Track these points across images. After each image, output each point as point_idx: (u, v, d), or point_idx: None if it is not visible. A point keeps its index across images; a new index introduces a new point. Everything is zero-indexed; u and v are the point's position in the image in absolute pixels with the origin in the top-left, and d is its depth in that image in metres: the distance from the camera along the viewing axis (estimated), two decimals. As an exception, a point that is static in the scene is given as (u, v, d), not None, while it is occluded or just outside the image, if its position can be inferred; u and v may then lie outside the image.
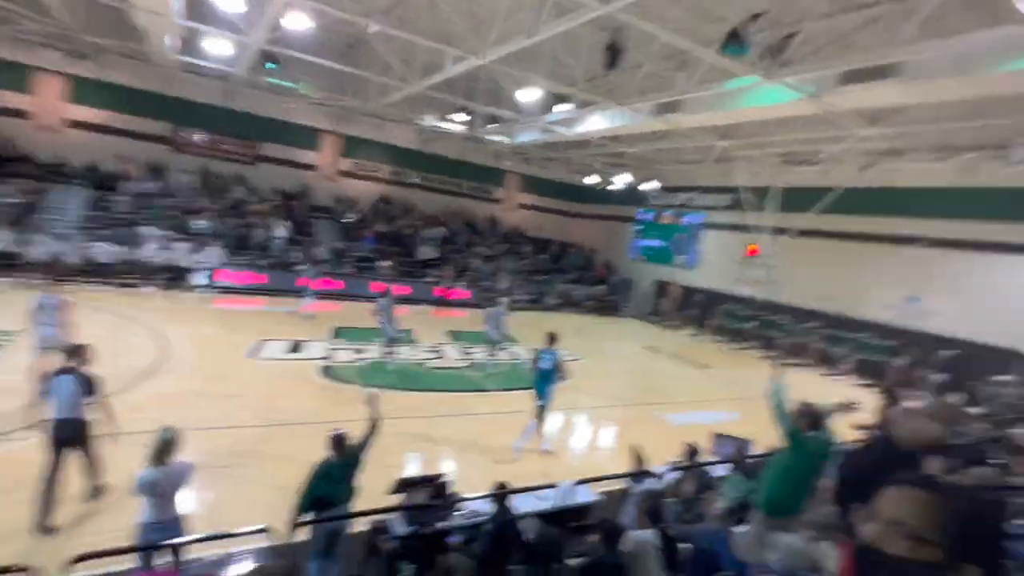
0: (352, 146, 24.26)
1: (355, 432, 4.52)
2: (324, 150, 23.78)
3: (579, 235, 30.57)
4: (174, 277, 16.51)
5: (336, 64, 17.16)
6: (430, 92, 16.04)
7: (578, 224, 31.08)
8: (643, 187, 24.08)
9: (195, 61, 16.62)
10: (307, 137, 23.26)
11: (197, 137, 21.32)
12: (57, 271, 13.83)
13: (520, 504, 4.74)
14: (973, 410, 12.10)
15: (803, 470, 3.73)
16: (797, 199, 19.71)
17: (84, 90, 19.09)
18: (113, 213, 17.84)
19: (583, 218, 31.06)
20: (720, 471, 5.87)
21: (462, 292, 21.67)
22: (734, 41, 9.64)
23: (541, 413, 8.01)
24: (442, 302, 20.50)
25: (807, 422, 3.89)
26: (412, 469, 6.81)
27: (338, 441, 4.25)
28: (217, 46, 14.50)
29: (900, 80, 9.37)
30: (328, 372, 10.35)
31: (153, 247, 16.57)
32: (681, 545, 3.84)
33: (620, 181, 23.60)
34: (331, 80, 18.97)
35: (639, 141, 19.67)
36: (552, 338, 8.28)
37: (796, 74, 9.90)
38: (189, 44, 15.62)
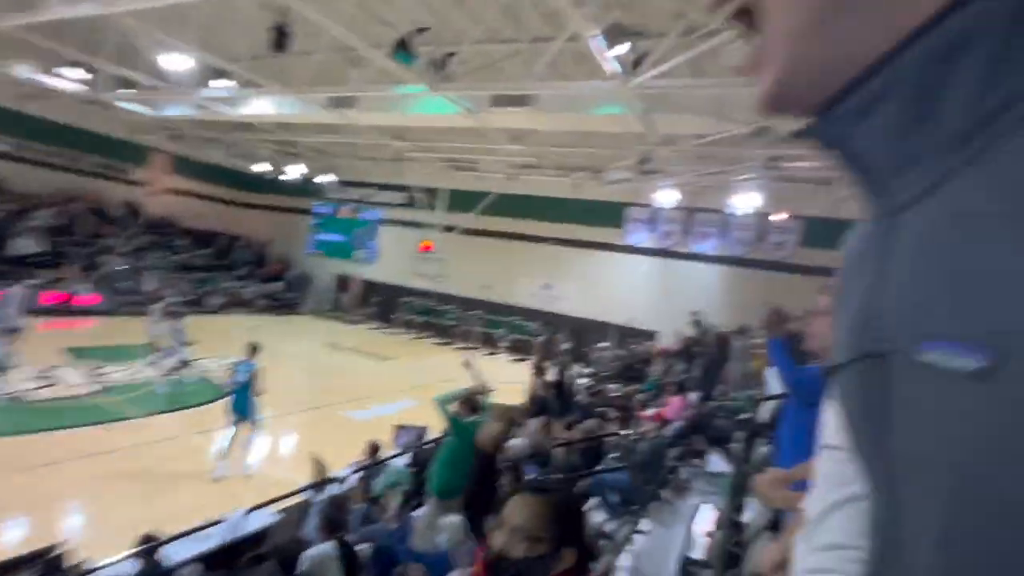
0: None
1: None
2: None
3: (250, 227, 27.63)
4: None
5: None
6: (24, 34, 12.11)
7: (249, 215, 28.07)
8: (320, 179, 23.28)
9: None
10: None
11: None
12: None
13: (177, 552, 4.03)
14: (586, 370, 15.68)
15: (466, 452, 4.20)
16: (463, 200, 22.05)
17: None
18: None
19: (254, 208, 28.20)
20: (402, 462, 6.15)
21: (88, 297, 17.22)
22: (402, 49, 10.12)
23: (244, 431, 7.43)
24: (57, 310, 15.83)
25: (467, 409, 4.40)
26: (12, 544, 5.09)
27: None
28: None
29: (532, 109, 11.36)
30: None
31: None
32: (362, 547, 3.86)
33: (294, 171, 22.29)
34: None
35: (313, 132, 18.92)
36: (253, 349, 7.81)
37: (456, 90, 10.99)
38: None
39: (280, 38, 10.09)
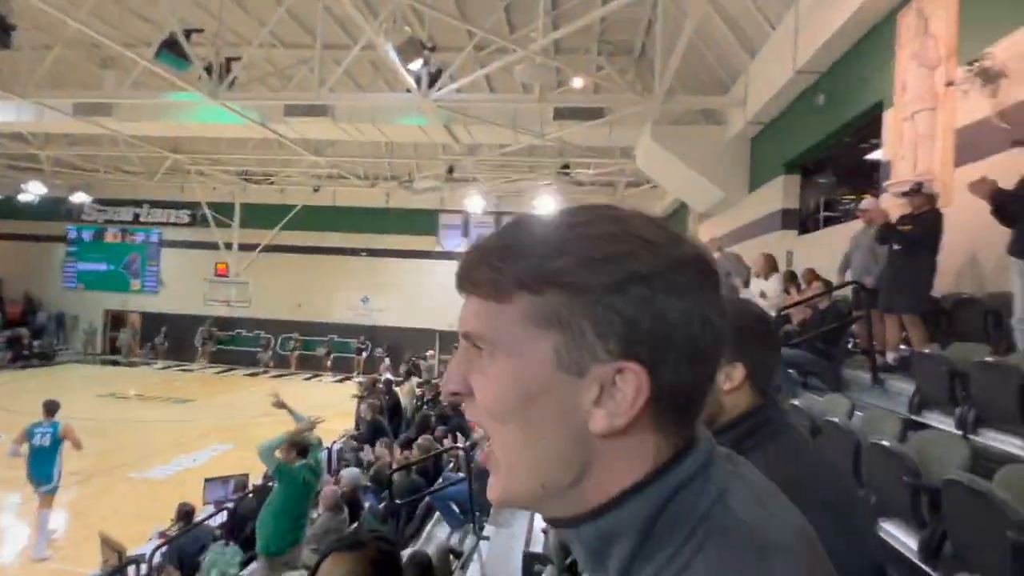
0: None
1: None
2: None
3: (-28, 262, 21.86)
4: None
5: None
6: None
7: (-32, 247, 22.19)
8: (73, 198, 19.36)
9: None
10: None
11: None
12: None
13: None
14: (415, 380, 15.59)
15: (297, 500, 3.90)
16: (262, 216, 20.20)
17: None
18: None
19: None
20: (217, 521, 5.45)
21: None
22: (171, 51, 8.92)
23: (41, 504, 6.39)
24: None
25: (295, 453, 4.08)
26: None
27: None
28: None
29: (331, 119, 10.88)
30: None
31: None
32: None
33: (33, 190, 18.20)
34: None
35: (57, 143, 15.70)
36: (50, 408, 6.82)
37: (241, 100, 10.04)
38: None
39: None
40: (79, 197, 19.48)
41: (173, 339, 20.82)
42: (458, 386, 0.47)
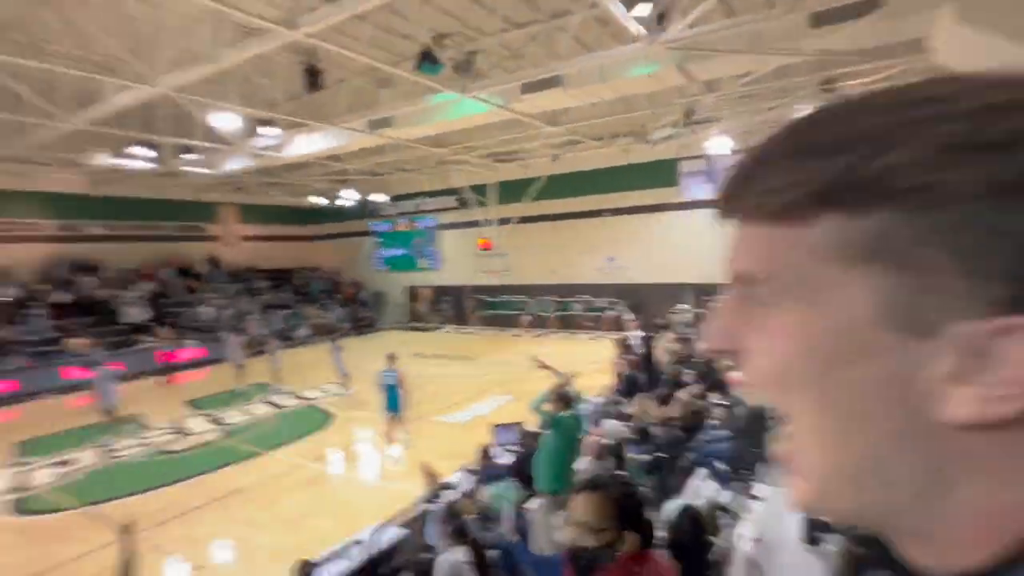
0: (-12, 203, 18.71)
1: (91, 572, 3.57)
2: (-60, 213, 17.82)
3: (318, 258, 29.15)
4: None
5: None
6: (94, 128, 13.28)
7: (315, 247, 29.58)
8: (373, 199, 24.10)
9: None
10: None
11: None
12: None
13: (328, 573, 4.40)
14: (668, 335, 15.39)
15: (565, 446, 4.30)
16: (512, 191, 22.15)
17: None
18: None
19: (318, 240, 29.68)
20: (506, 461, 6.35)
21: (194, 351, 18.75)
22: (427, 61, 10.25)
23: (395, 425, 9.32)
24: (168, 368, 17.33)
25: (561, 405, 4.48)
26: (181, 584, 5.74)
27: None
28: None
29: (563, 88, 11.19)
30: (23, 506, 7.93)
31: None
32: (490, 553, 4.05)
33: (348, 197, 23.18)
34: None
35: (359, 156, 19.55)
36: (391, 358, 9.70)
37: (485, 87, 11.01)
38: None
39: (312, 77, 10.51)
40: (377, 197, 24.13)
41: (455, 307, 24.51)
42: (726, 342, 0.36)
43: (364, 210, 25.89)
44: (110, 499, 7.86)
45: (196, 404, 13.35)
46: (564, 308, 21.53)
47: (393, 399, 9.37)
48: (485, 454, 6.36)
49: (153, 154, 15.03)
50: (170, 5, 9.08)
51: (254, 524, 6.89)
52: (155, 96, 11.07)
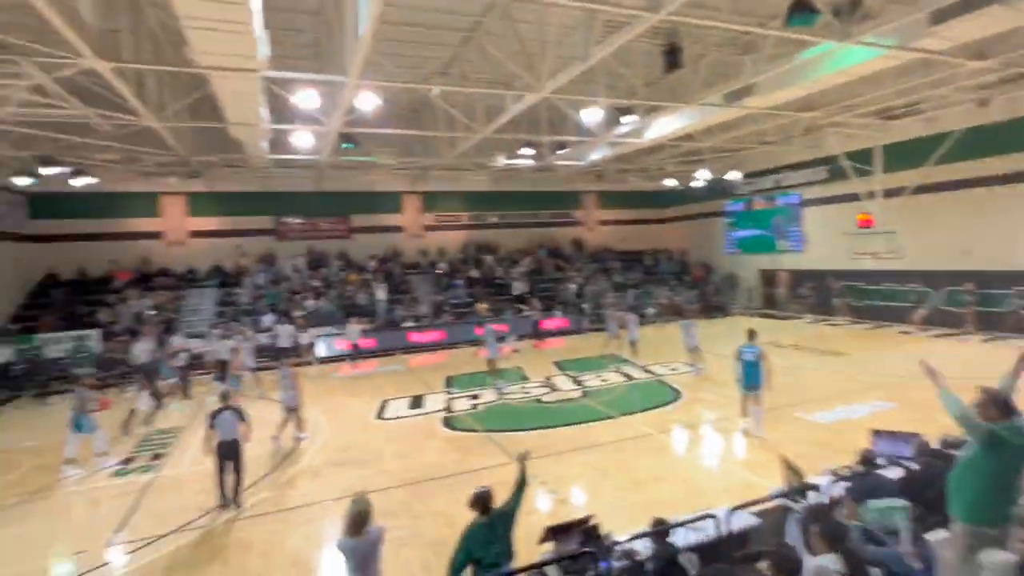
0: (431, 201, 25.46)
1: (490, 482, 4.51)
2: (407, 210, 25.11)
3: (668, 240, 29.69)
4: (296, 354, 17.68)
5: (406, 130, 18.18)
6: (495, 135, 16.48)
7: (665, 230, 30.22)
8: (727, 177, 23.02)
9: (286, 156, 18.30)
10: (391, 202, 24.73)
11: (297, 223, 23.35)
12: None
13: (676, 539, 4.49)
14: None
15: (1006, 469, 3.21)
16: (904, 155, 17.93)
17: (200, 203, 21.66)
18: (238, 307, 19.76)
19: (669, 222, 30.20)
20: (893, 475, 5.25)
21: (559, 320, 21.59)
22: (799, 11, 9.08)
23: (754, 401, 9.06)
24: (539, 333, 20.40)
25: (998, 412, 3.37)
26: (555, 514, 6.73)
27: (481, 500, 4.19)
28: (302, 139, 15.88)
29: (1004, 5, 8.31)
30: (450, 423, 10.61)
31: (278, 330, 17.63)
32: (873, 571, 3.41)
33: (700, 177, 22.73)
34: (403, 145, 20.16)
35: (714, 133, 18.91)
36: (751, 334, 9.41)
37: (876, 27, 9.09)
38: (278, 143, 17.23)
39: (672, 57, 10.58)
40: (732, 175, 22.92)
41: (818, 294, 21.45)
42: None
43: (717, 190, 25.00)
44: (502, 430, 9.82)
45: (561, 365, 15.39)
46: (985, 302, 16.37)
47: (751, 375, 9.03)
48: (866, 461, 5.37)
49: (533, 152, 17.74)
50: (549, 19, 10.47)
51: (607, 475, 7.57)
52: (539, 101, 13.00)
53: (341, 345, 18.20)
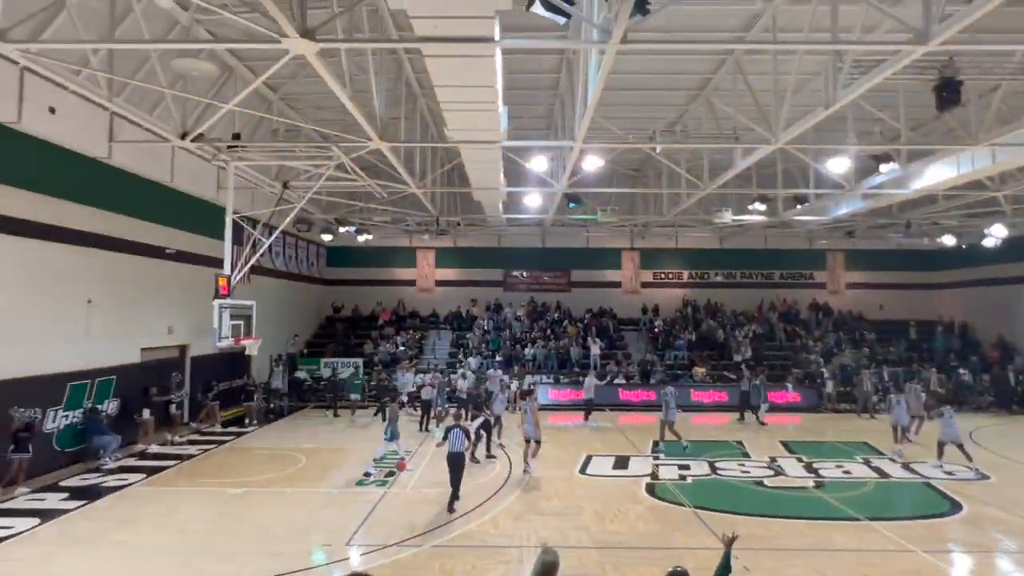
0: (649, 258, 25.26)
1: (691, 565, 4.06)
2: (625, 267, 25.30)
3: (941, 309, 24.23)
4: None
5: (627, 189, 18.57)
6: (721, 190, 15.77)
7: (938, 297, 24.82)
8: (1035, 234, 18.07)
9: (517, 216, 20.20)
10: (609, 258, 25.25)
11: (522, 275, 25.38)
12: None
13: None
14: None
15: None
16: None
17: (445, 257, 25.08)
18: (467, 349, 21.94)
19: (943, 288, 24.72)
20: None
21: (790, 395, 18.97)
22: None
23: None
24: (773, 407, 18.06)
25: None
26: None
27: (676, 579, 3.82)
28: (532, 200, 17.40)
29: None
30: (654, 491, 9.99)
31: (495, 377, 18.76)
32: None
33: (994, 234, 18.25)
34: (624, 203, 20.61)
35: (1014, 179, 15.16)
36: None
37: None
38: (510, 204, 19.17)
39: (949, 93, 8.92)
40: (1044, 231, 17.89)
41: None
42: None
43: (1019, 249, 19.72)
44: (712, 509, 8.87)
45: (789, 446, 13.42)
46: None
47: None
48: None
49: (764, 207, 16.37)
50: (786, 66, 9.78)
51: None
52: (772, 153, 12.10)
53: (554, 395, 18.75)
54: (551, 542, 7.28)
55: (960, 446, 11.18)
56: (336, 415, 16.91)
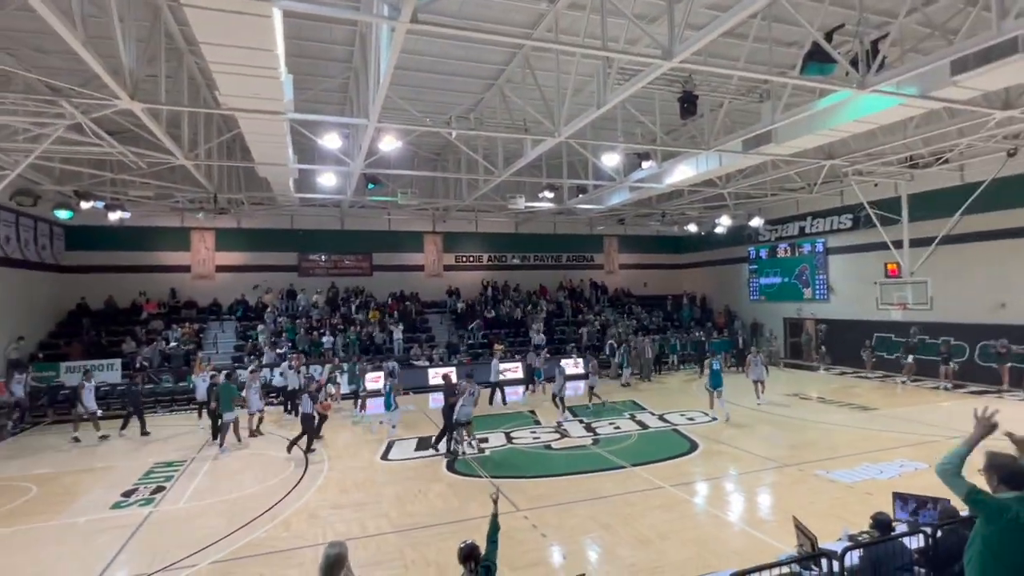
0: (451, 241, 25.73)
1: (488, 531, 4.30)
2: (428, 250, 25.40)
3: (688, 285, 29.35)
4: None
5: (428, 172, 18.58)
6: (516, 178, 16.72)
7: (686, 275, 29.92)
8: (752, 223, 22.76)
9: (311, 196, 18.85)
10: (412, 241, 25.06)
11: (319, 259, 23.83)
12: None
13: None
14: None
15: (1006, 543, 2.87)
16: (934, 204, 17.54)
17: (227, 239, 22.29)
18: (257, 342, 19.96)
19: (689, 268, 29.91)
20: (913, 544, 4.86)
21: (576, 365, 21.21)
22: (815, 60, 9.14)
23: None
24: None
25: (998, 481, 3.05)
26: (551, 569, 6.40)
27: (468, 554, 4.01)
28: (327, 179, 16.39)
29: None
30: (454, 467, 10.36)
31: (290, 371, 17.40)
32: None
33: (722, 223, 22.57)
34: (426, 187, 20.60)
35: (735, 180, 18.87)
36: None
37: (893, 78, 9.04)
38: (304, 183, 17.79)
39: (688, 105, 10.66)
40: (755, 221, 22.68)
41: (843, 344, 20.74)
42: None
43: (739, 236, 24.76)
44: (507, 477, 9.53)
45: (573, 411, 15.02)
46: (1021, 358, 15.60)
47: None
48: (883, 526, 5.00)
49: (552, 195, 17.90)
50: (567, 67, 10.72)
51: (611, 531, 7.20)
52: (557, 146, 13.18)
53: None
54: (350, 535, 7.08)
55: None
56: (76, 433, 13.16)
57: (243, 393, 13.19)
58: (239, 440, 12.34)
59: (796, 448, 10.91)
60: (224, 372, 13.68)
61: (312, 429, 11.58)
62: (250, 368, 14.86)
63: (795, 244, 23.38)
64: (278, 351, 18.80)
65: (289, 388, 15.62)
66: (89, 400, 13.19)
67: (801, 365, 22.22)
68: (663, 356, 22.44)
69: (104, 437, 12.91)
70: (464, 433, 11.18)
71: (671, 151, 15.31)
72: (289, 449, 11.43)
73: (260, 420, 13.36)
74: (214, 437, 12.29)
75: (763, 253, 25.11)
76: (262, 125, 10.78)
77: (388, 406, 12.93)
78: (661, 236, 28.92)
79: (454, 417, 11.14)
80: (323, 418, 12.34)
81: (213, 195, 17.24)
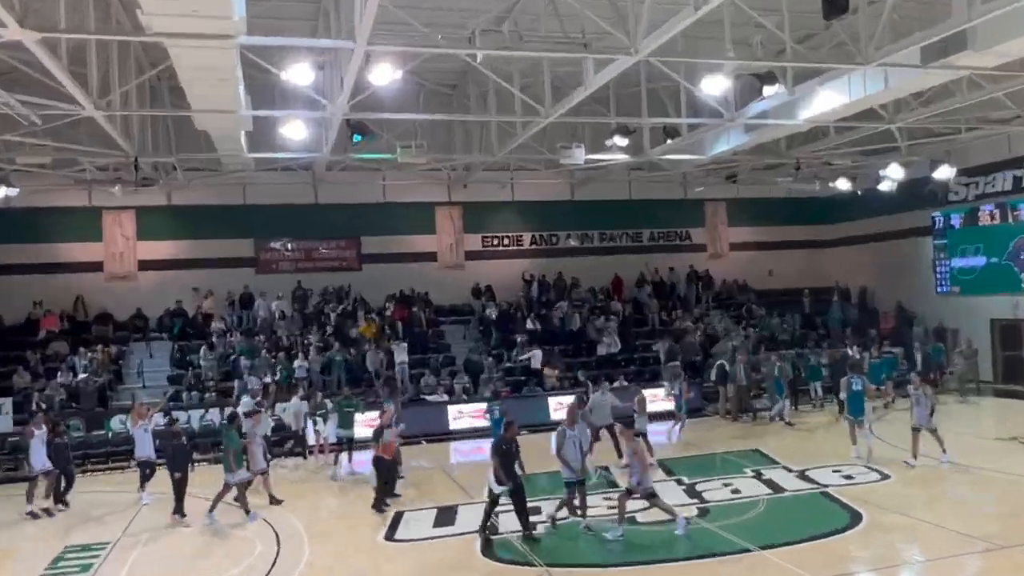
0: (476, 216, 25.94)
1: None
2: (442, 230, 25.61)
3: (835, 271, 28.72)
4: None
5: (440, 115, 18.77)
6: (569, 118, 16.76)
7: (832, 257, 29.40)
8: (937, 175, 22.13)
9: (271, 155, 19.33)
10: (419, 217, 25.39)
11: (285, 248, 24.32)
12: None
13: None
14: None
15: None
16: None
17: (152, 223, 23.05)
18: (202, 369, 20.58)
19: (838, 246, 29.35)
20: None
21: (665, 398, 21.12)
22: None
23: None
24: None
25: None
26: None
27: None
28: (294, 131, 16.67)
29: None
30: (491, 549, 10.49)
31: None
32: None
33: (890, 176, 22.05)
34: (437, 137, 20.74)
35: (909, 109, 18.41)
36: None
37: None
38: (261, 139, 18.19)
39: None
40: (942, 172, 22.04)
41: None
42: None
43: (917, 195, 24.08)
44: (571, 566, 9.64)
45: (666, 465, 14.96)
46: None
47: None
48: None
49: (626, 142, 17.78)
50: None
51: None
52: (633, 69, 13.15)
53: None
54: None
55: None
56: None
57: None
58: (248, 513, 12.45)
59: (1014, 520, 10.63)
60: (228, 413, 14.53)
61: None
62: (244, 410, 15.29)
63: (1008, 205, 22.60)
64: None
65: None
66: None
67: (1020, 393, 21.51)
68: (799, 381, 22.04)
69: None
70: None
71: (809, 68, 15.05)
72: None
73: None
74: (177, 512, 12.59)
75: (956, 220, 24.38)
76: (202, 56, 11.15)
77: None
78: (794, 199, 28.40)
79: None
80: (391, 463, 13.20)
81: (133, 159, 17.91)
